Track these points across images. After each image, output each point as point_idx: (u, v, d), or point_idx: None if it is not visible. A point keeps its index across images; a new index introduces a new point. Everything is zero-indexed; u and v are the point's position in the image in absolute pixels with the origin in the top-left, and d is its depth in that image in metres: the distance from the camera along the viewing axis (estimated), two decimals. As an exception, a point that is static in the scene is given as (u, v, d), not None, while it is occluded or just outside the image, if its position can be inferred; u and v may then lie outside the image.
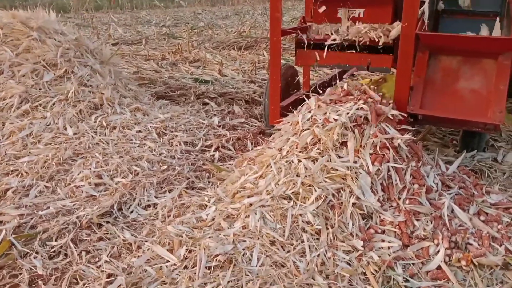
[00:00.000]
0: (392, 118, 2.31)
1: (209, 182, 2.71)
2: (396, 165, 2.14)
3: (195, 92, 4.54)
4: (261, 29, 9.19)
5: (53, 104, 3.30)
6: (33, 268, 1.92)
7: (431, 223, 2.05)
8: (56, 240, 2.09)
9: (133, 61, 6.27)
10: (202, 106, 4.18)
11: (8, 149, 2.95)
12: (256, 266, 1.77)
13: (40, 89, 3.42)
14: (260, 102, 4.33)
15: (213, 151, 3.14)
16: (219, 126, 3.60)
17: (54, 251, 2.03)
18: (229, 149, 3.19)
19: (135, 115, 3.47)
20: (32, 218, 2.25)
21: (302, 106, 2.57)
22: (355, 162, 2.10)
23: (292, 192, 2.07)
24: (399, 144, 2.17)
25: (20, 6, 4.04)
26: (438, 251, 1.93)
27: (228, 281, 1.70)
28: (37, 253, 2.01)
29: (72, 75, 3.53)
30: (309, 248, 1.85)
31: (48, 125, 3.15)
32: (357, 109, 2.27)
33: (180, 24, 11.07)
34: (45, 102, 3.32)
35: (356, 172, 2.07)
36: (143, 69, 5.65)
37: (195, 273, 1.74)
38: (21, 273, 1.90)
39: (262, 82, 5.17)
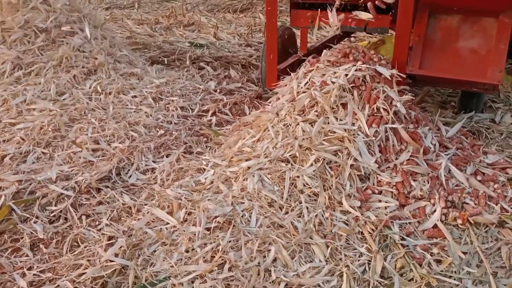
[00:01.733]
0: (390, 79, 2.28)
1: (206, 146, 2.70)
2: (394, 126, 2.13)
3: (190, 57, 4.45)
4: (256, -9, 8.94)
5: (46, 70, 3.24)
6: (33, 232, 1.95)
7: (428, 183, 2.06)
8: (55, 205, 2.10)
9: (126, 25, 6.12)
10: (197, 70, 4.11)
11: (3, 116, 2.92)
12: (255, 227, 1.80)
13: (32, 55, 3.35)
14: (257, 66, 4.26)
15: (210, 116, 3.12)
16: (216, 91, 3.55)
17: (54, 216, 2.05)
18: (226, 114, 3.17)
19: (130, 80, 3.42)
20: (30, 184, 2.25)
21: (299, 68, 2.54)
22: (353, 124, 2.09)
23: (290, 155, 2.07)
24: (397, 106, 2.16)
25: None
26: (435, 211, 1.95)
27: (228, 241, 1.72)
28: (37, 217, 2.03)
29: (64, 40, 3.45)
30: (307, 209, 1.86)
31: (42, 91, 3.11)
32: (356, 70, 2.23)
33: (174, -13, 10.74)
34: (37, 68, 3.26)
35: (353, 134, 2.06)
36: (137, 34, 5.53)
37: (195, 234, 1.77)
38: (22, 238, 1.93)
39: (259, 45, 5.07)
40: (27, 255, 1.83)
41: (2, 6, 3.49)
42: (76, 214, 2.03)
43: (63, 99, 3.05)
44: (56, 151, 2.55)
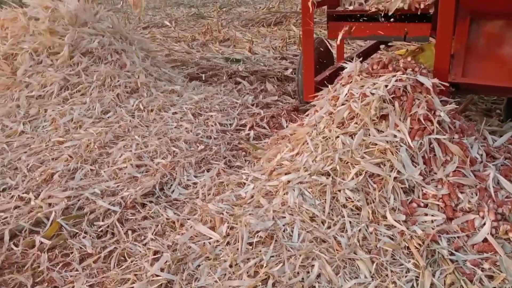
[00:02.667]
0: (432, 88, 2.22)
1: (245, 160, 2.73)
2: (438, 136, 2.08)
3: (227, 72, 4.54)
4: (290, 3, 9.00)
5: (91, 89, 3.40)
6: (83, 247, 2.01)
7: (476, 195, 1.99)
8: (103, 220, 2.18)
9: (164, 43, 6.31)
10: (234, 85, 4.18)
11: (51, 134, 3.08)
12: (297, 242, 1.79)
13: (78, 76, 3.52)
14: (292, 79, 4.28)
15: (248, 130, 3.15)
16: (253, 105, 3.60)
17: (101, 231, 2.12)
18: (264, 128, 3.19)
19: (170, 97, 3.52)
20: (79, 200, 2.35)
21: (337, 80, 2.53)
22: (395, 136, 2.06)
23: (330, 168, 2.05)
24: (441, 115, 2.10)
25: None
26: (484, 224, 1.87)
27: (271, 257, 1.72)
28: (85, 233, 2.10)
29: (107, 61, 3.60)
30: (350, 223, 1.84)
31: (88, 110, 3.25)
32: (396, 81, 2.20)
33: (208, 3, 11.00)
34: (83, 88, 3.42)
35: (396, 146, 2.02)
36: (175, 51, 5.69)
37: (237, 249, 1.78)
38: (72, 252, 1.99)
39: (294, 58, 5.09)
40: (76, 270, 1.89)
41: (49, 31, 3.69)
42: (122, 229, 2.09)
43: (108, 117, 3.18)
44: (102, 167, 2.65)
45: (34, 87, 3.43)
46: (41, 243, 2.03)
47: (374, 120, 2.13)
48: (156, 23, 8.18)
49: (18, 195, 2.41)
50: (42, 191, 2.43)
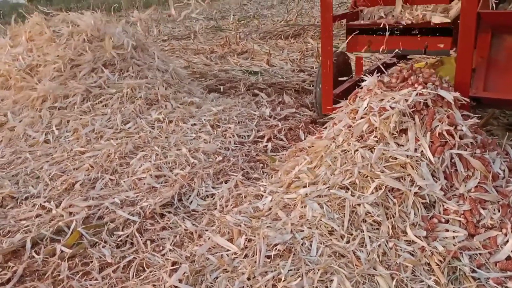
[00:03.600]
0: (453, 102, 2.20)
1: (263, 172, 2.73)
2: (459, 152, 2.05)
3: (245, 84, 4.57)
4: (307, 16, 9.05)
5: (113, 101, 3.46)
6: (102, 256, 2.03)
7: (499, 211, 1.95)
8: (122, 230, 2.20)
9: (183, 55, 6.41)
10: (252, 97, 4.21)
11: (73, 145, 3.14)
12: (316, 256, 1.77)
13: (99, 87, 3.60)
14: (310, 91, 4.29)
15: (266, 142, 3.16)
16: (271, 117, 3.61)
17: (121, 240, 2.14)
18: (281, 140, 3.20)
19: (189, 109, 3.57)
20: (99, 210, 2.38)
21: (356, 93, 2.52)
22: (415, 150, 2.04)
23: (349, 182, 2.04)
24: (462, 130, 2.08)
25: (74, 8, 4.24)
26: (507, 241, 1.83)
27: (289, 270, 1.71)
28: (105, 242, 2.13)
29: (128, 72, 3.68)
30: (370, 238, 1.82)
31: (109, 121, 3.31)
32: (416, 95, 2.18)
33: (227, 16, 11.15)
34: (105, 99, 3.49)
35: (416, 160, 2.00)
36: (194, 63, 5.77)
37: (255, 262, 1.77)
38: (91, 261, 2.02)
39: (311, 70, 5.11)
40: (96, 279, 1.91)
41: (71, 45, 3.79)
42: (141, 239, 2.11)
43: (128, 128, 3.23)
44: (122, 177, 2.69)
45: (57, 98, 3.52)
46: (62, 251, 2.06)
47: (393, 134, 2.12)
48: (176, 35, 8.32)
49: (40, 204, 2.46)
50: (63, 200, 2.48)
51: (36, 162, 2.96)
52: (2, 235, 2.23)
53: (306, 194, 2.09)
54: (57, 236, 2.19)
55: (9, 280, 1.93)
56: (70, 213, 2.36)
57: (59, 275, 1.93)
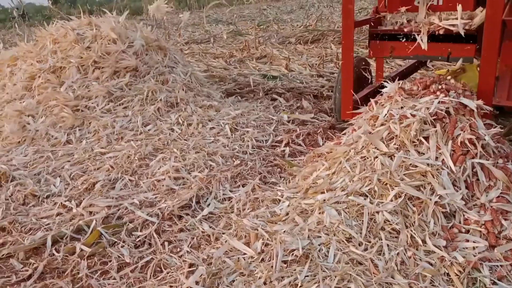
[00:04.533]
0: (476, 111, 2.17)
1: (280, 177, 2.73)
2: (481, 161, 2.02)
3: (263, 88, 4.59)
4: (327, 21, 9.04)
5: (134, 103, 3.52)
6: (120, 256, 2.06)
7: (521, 223, 1.91)
8: (141, 231, 2.23)
9: (203, 59, 6.47)
10: (271, 101, 4.22)
11: (94, 145, 3.20)
12: (333, 262, 1.77)
13: (121, 89, 3.66)
14: (329, 96, 4.27)
15: (284, 147, 3.16)
16: (289, 122, 3.61)
17: (139, 241, 2.17)
18: (299, 145, 3.20)
19: (208, 112, 3.60)
20: (118, 210, 2.41)
21: (376, 99, 2.51)
22: (436, 158, 2.01)
23: (368, 189, 2.02)
24: (485, 139, 2.04)
25: (97, 11, 4.33)
26: (530, 253, 1.79)
27: (305, 276, 1.71)
28: (124, 242, 2.16)
29: (149, 75, 3.73)
30: (388, 246, 1.80)
31: (130, 122, 3.36)
32: (438, 102, 2.16)
33: (246, 21, 11.21)
34: (126, 102, 3.55)
35: (437, 169, 1.98)
36: (213, 67, 5.81)
37: (272, 266, 1.77)
38: (110, 261, 2.04)
39: (330, 76, 5.09)
40: (114, 278, 1.94)
41: (94, 47, 3.86)
42: (159, 240, 2.14)
43: (148, 130, 3.28)
44: (141, 178, 2.73)
45: (79, 100, 3.59)
46: (81, 250, 2.10)
47: (414, 142, 2.10)
48: (196, 39, 8.40)
49: (61, 203, 2.51)
50: (83, 199, 2.52)
51: (57, 161, 3.02)
52: (24, 232, 2.28)
53: (324, 200, 2.08)
54: (77, 234, 2.23)
55: (30, 277, 1.97)
56: (90, 212, 2.40)
57: (78, 273, 1.96)
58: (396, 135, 2.15)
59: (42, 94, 3.65)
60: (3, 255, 2.10)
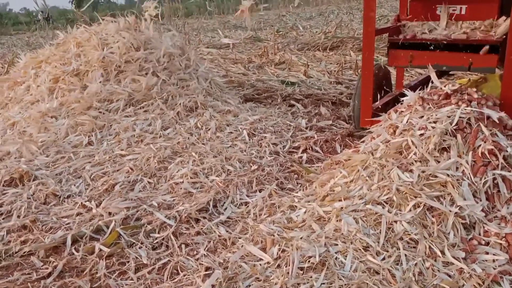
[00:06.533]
0: (498, 122, 2.14)
1: (297, 183, 2.74)
2: (503, 172, 1.99)
3: (281, 94, 4.60)
4: (346, 28, 9.02)
5: (154, 107, 3.57)
6: (138, 257, 2.08)
7: (544, 237, 1.87)
8: (158, 232, 2.25)
9: (222, 64, 6.52)
10: (288, 108, 4.23)
11: (115, 147, 3.25)
12: (349, 271, 1.76)
13: (142, 93, 3.72)
14: (347, 104, 4.26)
15: (301, 153, 3.17)
16: (306, 128, 3.61)
17: (157, 243, 2.19)
18: (317, 151, 3.19)
19: (226, 117, 3.63)
20: (137, 211, 2.45)
21: (396, 107, 2.49)
22: (456, 169, 1.99)
23: (386, 199, 2.01)
24: (507, 150, 2.01)
25: (118, 15, 4.41)
26: (552, 269, 1.75)
27: (321, 284, 1.70)
28: (142, 243, 2.18)
29: (170, 80, 3.79)
30: (406, 256, 1.78)
31: (150, 126, 3.41)
32: (460, 113, 2.14)
33: (265, 27, 11.26)
34: (146, 105, 3.60)
35: (458, 180, 1.95)
36: (232, 72, 5.86)
37: (288, 273, 1.77)
38: (128, 261, 2.07)
39: (349, 83, 5.08)
40: (132, 279, 1.96)
41: (117, 52, 3.93)
42: (176, 243, 2.16)
43: (167, 134, 3.32)
44: (160, 181, 2.77)
45: (101, 102, 3.66)
46: (100, 250, 2.13)
47: (434, 154, 2.08)
48: (215, 44, 8.47)
49: (81, 203, 2.55)
50: (103, 200, 2.57)
51: (79, 162, 3.08)
52: (44, 231, 2.32)
53: (342, 207, 2.07)
54: (96, 234, 2.27)
55: (49, 274, 2.01)
56: (110, 213, 2.43)
57: (96, 272, 1.99)
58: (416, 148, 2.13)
59: (65, 96, 3.74)
60: (24, 252, 2.14)
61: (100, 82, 3.75)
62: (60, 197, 2.67)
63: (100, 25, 4.28)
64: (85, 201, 2.57)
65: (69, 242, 2.20)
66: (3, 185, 2.74)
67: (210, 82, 4.07)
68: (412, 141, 2.13)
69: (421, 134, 2.13)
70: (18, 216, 2.42)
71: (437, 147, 2.07)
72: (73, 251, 2.16)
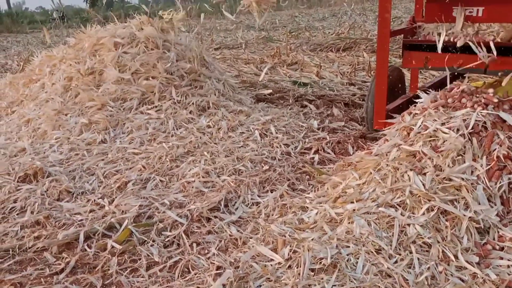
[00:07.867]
0: (515, 125, 2.11)
1: (309, 184, 2.73)
2: (519, 177, 1.96)
3: (293, 95, 4.59)
4: (360, 29, 8.97)
5: (167, 106, 3.59)
6: (150, 255, 2.09)
7: (560, 243, 1.84)
8: (170, 231, 2.27)
9: (234, 64, 6.53)
10: (300, 108, 4.22)
11: (127, 146, 3.28)
12: (361, 273, 1.75)
13: (155, 92, 3.74)
14: (360, 105, 4.24)
15: (313, 154, 3.15)
16: (319, 129, 3.60)
17: (168, 241, 2.20)
18: (329, 153, 3.18)
19: (238, 117, 3.63)
20: (149, 209, 2.47)
21: (410, 110, 2.47)
22: (471, 172, 1.97)
23: (399, 201, 2.00)
24: (523, 155, 1.98)
25: (132, 15, 4.44)
26: None
27: (333, 286, 1.70)
28: (153, 241, 2.19)
29: (183, 80, 3.81)
30: (418, 260, 1.77)
31: (162, 124, 3.43)
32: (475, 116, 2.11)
33: (278, 27, 11.25)
34: (159, 105, 3.62)
35: (472, 184, 1.93)
36: (244, 73, 5.86)
37: (299, 274, 1.77)
38: (140, 259, 2.08)
39: (362, 84, 5.05)
40: (143, 276, 1.98)
41: (131, 51, 3.96)
42: (188, 241, 2.17)
43: (180, 133, 3.34)
44: (172, 180, 2.78)
45: (115, 101, 3.69)
46: (112, 247, 2.15)
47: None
48: (227, 44, 8.49)
49: (94, 200, 2.58)
50: (116, 197, 2.59)
51: (92, 160, 3.11)
52: (57, 227, 2.35)
53: (354, 209, 2.06)
54: (108, 231, 2.29)
55: (62, 270, 2.03)
56: (122, 210, 2.45)
57: (108, 269, 2.01)
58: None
59: (79, 94, 3.77)
60: (37, 248, 2.17)
61: (114, 81, 3.78)
62: (73, 194, 2.70)
63: (115, 24, 4.32)
64: (98, 198, 2.59)
65: (81, 238, 2.22)
66: (18, 181, 2.77)
67: (223, 82, 4.08)
68: (422, 153, 2.10)
69: (437, 148, 2.10)
70: (32, 212, 2.45)
71: (452, 155, 2.05)
72: (86, 247, 2.18)
